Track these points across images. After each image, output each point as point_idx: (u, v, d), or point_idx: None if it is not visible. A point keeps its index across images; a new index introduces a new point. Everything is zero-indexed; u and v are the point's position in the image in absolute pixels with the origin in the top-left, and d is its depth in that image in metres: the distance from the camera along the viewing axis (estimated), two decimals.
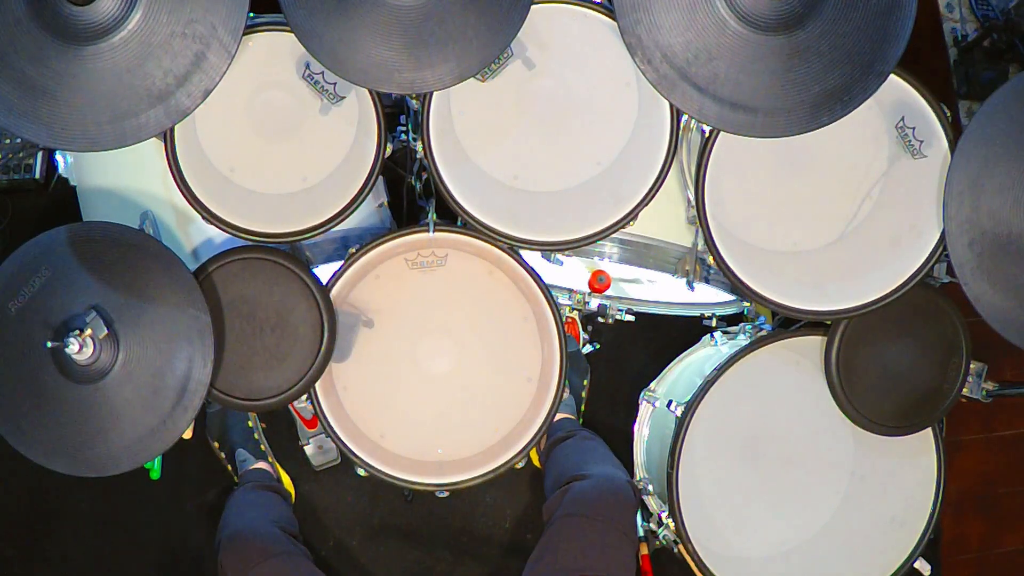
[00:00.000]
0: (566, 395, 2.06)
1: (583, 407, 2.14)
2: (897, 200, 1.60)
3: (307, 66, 1.52)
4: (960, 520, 2.32)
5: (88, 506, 2.08)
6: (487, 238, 1.58)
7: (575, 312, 2.09)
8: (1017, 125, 1.43)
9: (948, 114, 1.52)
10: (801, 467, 1.69)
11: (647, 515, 1.83)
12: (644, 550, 1.82)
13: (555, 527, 1.65)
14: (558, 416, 1.89)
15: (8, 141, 2.10)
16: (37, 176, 2.10)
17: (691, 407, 1.64)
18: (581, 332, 2.17)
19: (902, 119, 1.54)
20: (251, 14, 1.42)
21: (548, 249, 1.59)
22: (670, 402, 1.69)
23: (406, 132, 1.64)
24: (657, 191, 1.54)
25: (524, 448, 1.65)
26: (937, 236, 1.54)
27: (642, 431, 1.91)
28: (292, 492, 2.08)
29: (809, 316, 1.60)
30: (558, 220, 1.58)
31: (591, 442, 1.91)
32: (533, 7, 1.42)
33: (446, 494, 1.66)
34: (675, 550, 1.72)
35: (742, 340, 1.76)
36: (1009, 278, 1.46)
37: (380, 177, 1.61)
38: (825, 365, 1.63)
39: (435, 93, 1.50)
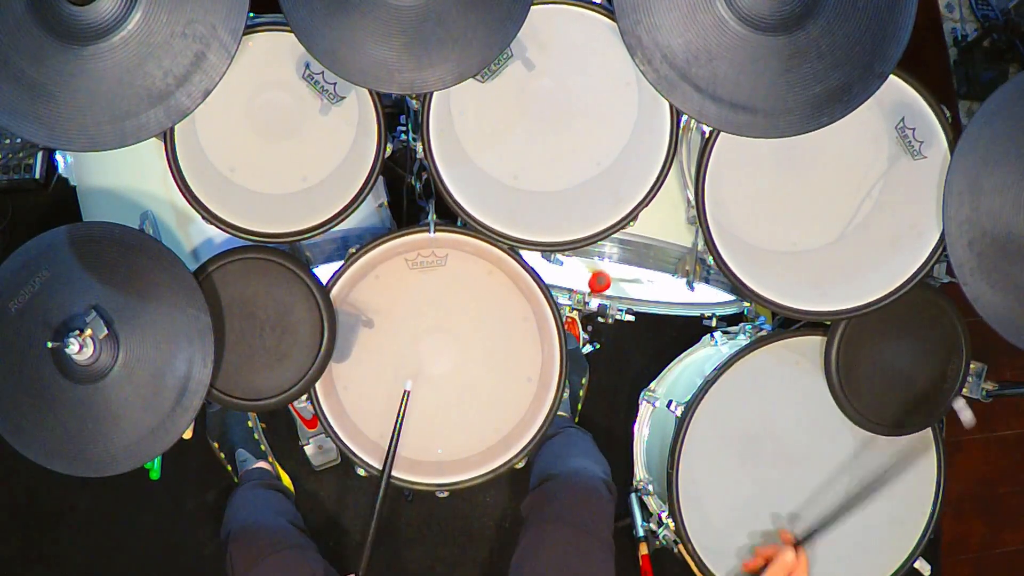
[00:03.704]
0: (565, 395, 2.06)
1: (580, 406, 2.14)
2: (897, 200, 1.60)
3: (307, 66, 1.52)
4: (960, 520, 2.32)
5: (88, 506, 2.09)
6: (487, 238, 1.58)
7: (575, 312, 2.10)
8: (1017, 125, 1.43)
9: (948, 114, 1.52)
10: (801, 467, 1.69)
11: (647, 515, 1.83)
12: (644, 550, 1.82)
13: (531, 533, 1.66)
14: None
15: (8, 141, 2.10)
16: (37, 176, 2.10)
17: (691, 407, 1.64)
18: (581, 332, 2.17)
19: (902, 119, 1.54)
20: (251, 14, 1.42)
21: (548, 249, 1.59)
22: (670, 402, 1.69)
23: (406, 132, 1.64)
24: (657, 191, 1.54)
25: (524, 448, 1.65)
26: (937, 236, 1.54)
27: (642, 431, 1.91)
28: (292, 492, 2.08)
29: (809, 316, 1.60)
30: (558, 220, 1.58)
31: (575, 437, 1.92)
32: (533, 7, 1.42)
33: (446, 494, 1.66)
34: (675, 550, 1.72)
35: (742, 340, 1.76)
36: (1009, 278, 1.46)
37: (380, 177, 1.61)
38: (825, 365, 1.63)
39: (435, 93, 1.50)
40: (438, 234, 1.59)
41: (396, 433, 1.56)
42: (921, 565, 1.71)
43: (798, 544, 1.56)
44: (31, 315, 1.40)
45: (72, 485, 2.05)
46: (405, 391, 1.57)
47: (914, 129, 1.54)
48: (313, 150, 1.58)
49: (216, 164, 1.55)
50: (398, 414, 1.57)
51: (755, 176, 1.60)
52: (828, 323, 1.63)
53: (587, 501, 1.67)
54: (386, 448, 1.60)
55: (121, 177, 1.62)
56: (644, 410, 1.90)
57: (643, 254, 1.70)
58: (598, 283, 1.78)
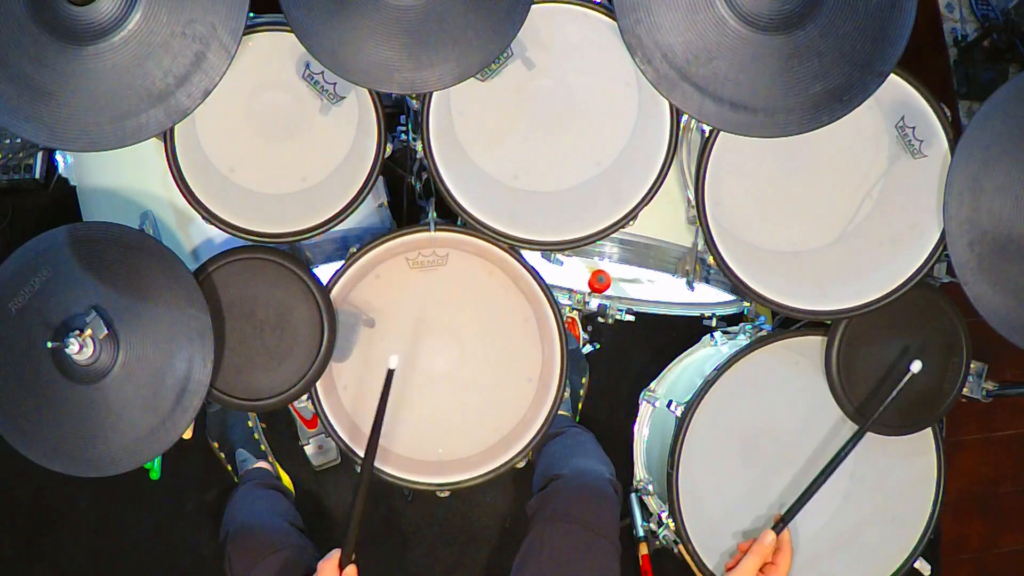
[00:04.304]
0: (566, 395, 2.06)
1: (580, 405, 2.14)
2: (897, 200, 1.60)
3: (307, 66, 1.52)
4: (960, 520, 2.32)
5: (88, 506, 2.09)
6: (487, 238, 1.58)
7: (575, 312, 2.10)
8: (1017, 125, 1.43)
9: (948, 114, 1.52)
10: (801, 467, 1.69)
11: (647, 515, 1.83)
12: (644, 550, 1.82)
13: (537, 530, 1.65)
14: None
15: (8, 141, 2.10)
16: (37, 176, 2.10)
17: (691, 407, 1.64)
18: (581, 332, 2.17)
19: (902, 119, 1.54)
20: (251, 14, 1.42)
21: (548, 249, 1.59)
22: (670, 402, 1.69)
23: (406, 132, 1.64)
24: (657, 191, 1.54)
25: (524, 448, 1.65)
26: (937, 236, 1.54)
27: (642, 431, 1.91)
28: (292, 492, 2.08)
29: (809, 316, 1.60)
30: (558, 220, 1.58)
31: (579, 437, 1.91)
32: (533, 7, 1.42)
33: (446, 494, 1.66)
34: (675, 550, 1.72)
35: (742, 340, 1.76)
36: (1009, 278, 1.46)
37: (380, 177, 1.61)
38: (825, 365, 1.63)
39: (435, 93, 1.50)
40: (438, 234, 1.59)
41: (381, 410, 1.46)
42: (921, 565, 1.71)
43: (777, 528, 1.56)
44: (31, 315, 1.40)
45: (72, 485, 2.05)
46: (389, 370, 1.46)
47: (914, 128, 1.54)
48: (313, 150, 1.58)
49: (216, 164, 1.55)
50: (383, 392, 1.45)
51: (755, 175, 1.60)
52: (828, 322, 1.63)
53: (594, 500, 1.66)
54: (387, 448, 1.60)
55: (121, 177, 1.62)
56: (644, 410, 1.90)
57: (643, 254, 1.70)
58: (598, 282, 1.77)
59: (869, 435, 1.65)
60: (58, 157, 1.68)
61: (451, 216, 1.58)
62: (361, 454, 1.63)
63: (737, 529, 1.67)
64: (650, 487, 1.83)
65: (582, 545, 1.62)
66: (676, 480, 1.64)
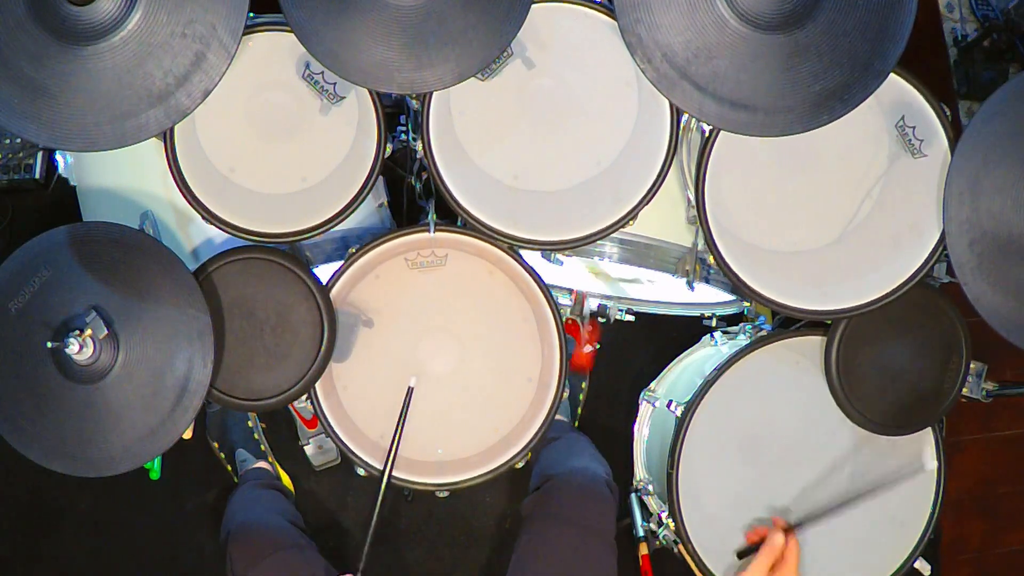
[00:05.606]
0: (565, 395, 2.06)
1: (580, 410, 2.14)
2: (897, 200, 1.60)
3: (307, 66, 1.52)
4: (960, 520, 2.32)
5: (88, 506, 2.09)
6: (487, 238, 1.58)
7: (576, 317, 2.10)
8: (1017, 125, 1.43)
9: (948, 114, 1.52)
10: (801, 467, 1.69)
11: (647, 515, 1.83)
12: (644, 550, 1.82)
13: (533, 531, 1.65)
14: None
15: (8, 141, 2.10)
16: (37, 176, 2.10)
17: (691, 407, 1.64)
18: (582, 333, 2.17)
19: (902, 118, 1.54)
20: (251, 14, 1.42)
21: (548, 249, 1.59)
22: (670, 402, 1.69)
23: (406, 132, 1.64)
24: (657, 191, 1.54)
25: (524, 448, 1.65)
26: (937, 236, 1.54)
27: (642, 431, 1.91)
28: (292, 492, 2.08)
29: (809, 316, 1.60)
30: (558, 220, 1.58)
31: (575, 440, 1.92)
32: (533, 7, 1.42)
33: (446, 494, 1.66)
34: (675, 550, 1.72)
35: (742, 340, 1.76)
36: (1009, 278, 1.46)
37: (380, 177, 1.61)
38: (825, 365, 1.63)
39: (435, 93, 1.50)
40: (438, 234, 1.59)
41: (399, 430, 1.55)
42: (921, 565, 1.71)
43: (789, 529, 1.57)
44: (31, 315, 1.40)
45: (72, 485, 2.06)
46: (409, 388, 1.56)
47: (914, 127, 1.54)
48: (313, 150, 1.58)
49: (216, 164, 1.55)
50: (401, 411, 1.56)
51: (755, 175, 1.60)
52: (828, 322, 1.63)
53: (589, 500, 1.66)
54: (386, 448, 1.60)
55: (121, 177, 1.62)
56: (644, 410, 1.90)
57: (643, 254, 1.70)
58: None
59: (869, 435, 1.66)
60: (58, 157, 1.68)
61: (451, 216, 1.58)
62: (360, 455, 1.63)
63: (737, 528, 1.67)
64: (650, 487, 1.83)
65: (579, 546, 1.62)
66: (676, 480, 1.64)
